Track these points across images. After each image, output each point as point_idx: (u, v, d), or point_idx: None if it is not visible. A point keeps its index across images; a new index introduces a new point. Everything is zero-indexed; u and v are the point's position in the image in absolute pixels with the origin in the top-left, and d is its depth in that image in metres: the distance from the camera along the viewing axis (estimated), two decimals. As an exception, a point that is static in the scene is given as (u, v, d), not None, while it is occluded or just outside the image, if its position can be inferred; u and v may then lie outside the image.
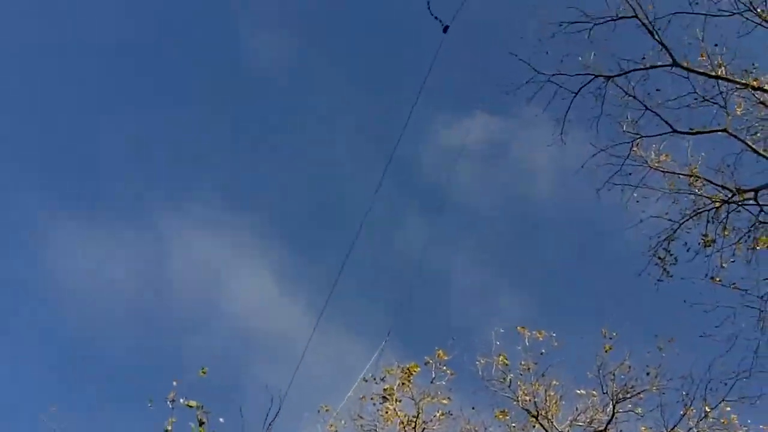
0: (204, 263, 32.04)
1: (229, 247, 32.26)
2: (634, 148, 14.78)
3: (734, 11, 13.66)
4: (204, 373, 8.45)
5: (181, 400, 7.98)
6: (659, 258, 14.83)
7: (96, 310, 29.87)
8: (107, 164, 34.02)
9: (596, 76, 14.62)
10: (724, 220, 14.49)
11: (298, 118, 34.36)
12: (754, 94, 14.05)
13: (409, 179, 30.40)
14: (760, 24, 13.64)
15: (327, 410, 15.85)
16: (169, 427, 7.85)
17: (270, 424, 8.02)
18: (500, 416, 15.82)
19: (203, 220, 32.26)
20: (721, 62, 13.93)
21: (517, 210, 31.84)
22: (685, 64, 14.10)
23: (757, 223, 14.23)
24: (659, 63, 14.29)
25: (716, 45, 13.99)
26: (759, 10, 13.53)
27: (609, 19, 14.28)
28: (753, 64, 13.95)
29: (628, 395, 15.06)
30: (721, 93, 14.19)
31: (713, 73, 14.00)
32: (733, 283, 14.09)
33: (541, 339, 15.81)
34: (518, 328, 16.08)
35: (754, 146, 13.95)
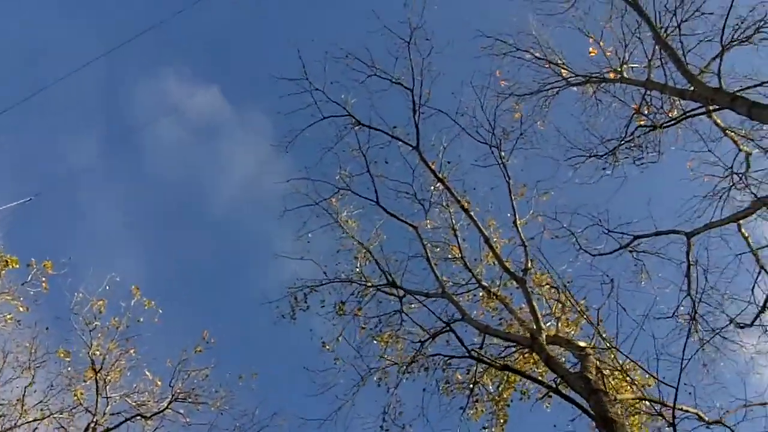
0: None
1: None
2: (334, 198, 14.82)
3: (483, 141, 14.37)
4: None
5: None
6: (295, 299, 14.96)
7: None
8: None
9: (348, 115, 14.43)
10: (368, 301, 14.98)
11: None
12: (451, 217, 14.77)
13: (113, 108, 27.95)
14: (498, 164, 14.34)
15: None
16: None
17: None
18: (62, 354, 14.93)
19: None
20: (445, 176, 14.38)
21: (188, 195, 30.37)
22: (422, 154, 14.36)
23: (392, 314, 14.75)
24: (403, 138, 14.47)
25: (449, 162, 14.70)
26: (502, 153, 14.26)
27: (388, 78, 14.32)
28: (473, 188, 14.87)
29: (189, 399, 15.03)
30: (431, 200, 14.95)
31: (440, 175, 14.43)
32: (357, 354, 14.29)
33: (146, 307, 15.32)
34: (133, 286, 15.46)
35: (429, 254, 14.56)
